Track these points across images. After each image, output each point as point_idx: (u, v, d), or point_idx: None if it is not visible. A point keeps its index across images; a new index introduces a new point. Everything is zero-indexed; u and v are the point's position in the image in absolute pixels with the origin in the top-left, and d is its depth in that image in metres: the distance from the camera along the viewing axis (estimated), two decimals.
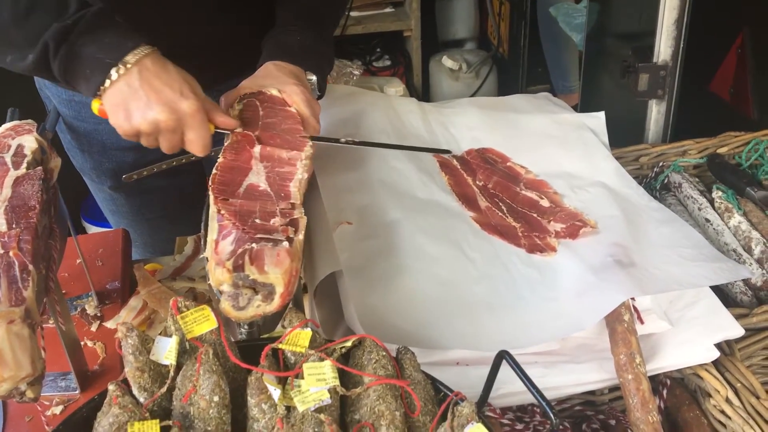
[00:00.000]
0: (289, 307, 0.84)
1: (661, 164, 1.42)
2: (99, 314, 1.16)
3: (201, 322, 0.76)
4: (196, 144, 0.98)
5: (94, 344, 1.11)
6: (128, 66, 0.94)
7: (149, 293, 1.19)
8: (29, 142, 1.01)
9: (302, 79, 1.13)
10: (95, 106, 1.00)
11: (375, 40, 3.30)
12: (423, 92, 3.37)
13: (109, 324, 1.14)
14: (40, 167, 0.97)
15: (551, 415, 0.64)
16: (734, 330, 1.00)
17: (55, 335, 0.97)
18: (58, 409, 1.00)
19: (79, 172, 1.43)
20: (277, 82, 1.10)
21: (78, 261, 1.20)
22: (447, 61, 3.36)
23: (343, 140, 1.05)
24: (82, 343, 1.09)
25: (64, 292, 1.17)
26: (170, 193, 1.41)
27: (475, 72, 3.37)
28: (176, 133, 0.97)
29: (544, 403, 0.65)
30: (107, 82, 0.94)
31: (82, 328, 1.13)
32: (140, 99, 0.94)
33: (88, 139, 1.34)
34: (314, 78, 1.15)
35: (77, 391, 1.02)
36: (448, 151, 1.27)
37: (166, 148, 1.00)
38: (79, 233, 1.30)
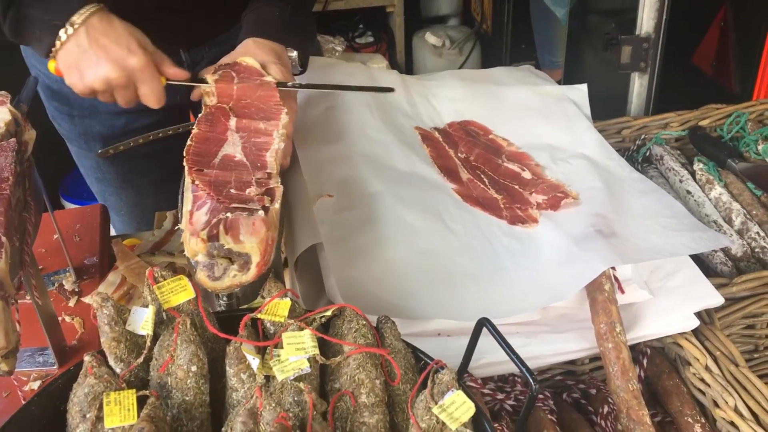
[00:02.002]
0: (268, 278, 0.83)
1: (643, 137, 1.42)
2: (77, 289, 1.15)
3: (178, 292, 0.75)
4: (150, 97, 1.01)
5: (72, 319, 1.09)
6: (75, 26, 0.96)
7: (128, 268, 1.17)
8: (2, 114, 0.98)
9: (282, 56, 1.12)
10: (51, 66, 1.01)
11: (357, 15, 3.27)
12: (406, 69, 3.34)
13: (88, 299, 1.13)
14: (13, 139, 0.95)
15: (530, 380, 0.64)
16: (714, 299, 1.01)
17: (32, 311, 0.96)
18: (35, 385, 0.99)
19: (65, 141, 1.42)
20: (256, 59, 1.09)
21: (55, 236, 1.18)
22: (430, 38, 3.34)
23: (289, 84, 1.06)
24: (60, 318, 1.07)
25: (41, 267, 1.16)
26: (157, 160, 1.40)
27: (459, 49, 3.35)
28: (129, 88, 1.00)
29: (522, 368, 0.65)
30: (57, 44, 0.97)
31: (60, 303, 1.12)
32: (90, 58, 0.97)
33: (78, 103, 1.32)
34: (294, 54, 1.14)
35: (55, 367, 1.01)
36: (391, 89, 1.25)
37: (122, 103, 1.03)
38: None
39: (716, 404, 0.93)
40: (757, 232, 1.18)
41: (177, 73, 1.04)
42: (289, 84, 1.07)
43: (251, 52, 1.09)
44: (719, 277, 1.07)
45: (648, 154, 1.40)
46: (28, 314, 0.94)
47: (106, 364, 0.71)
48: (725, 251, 1.16)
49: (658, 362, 1.01)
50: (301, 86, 1.12)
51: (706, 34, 1.95)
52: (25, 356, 1.02)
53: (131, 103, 1.03)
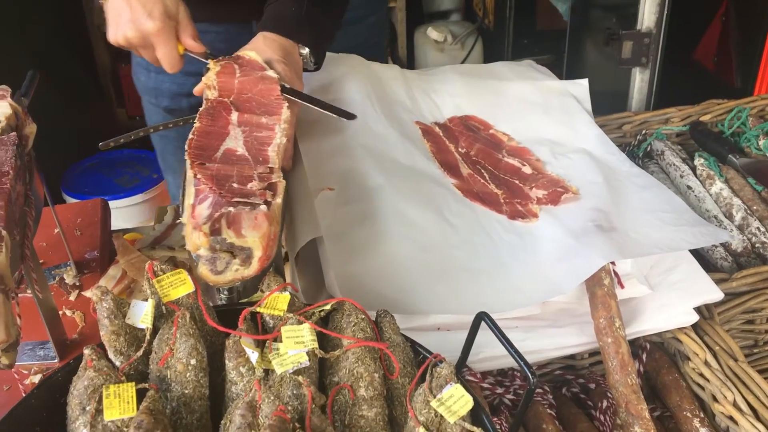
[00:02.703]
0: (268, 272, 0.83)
1: (644, 132, 1.41)
2: (78, 283, 1.15)
3: (177, 286, 0.75)
4: (164, 61, 1.08)
5: (73, 313, 1.10)
6: None
7: (128, 262, 1.17)
8: (3, 108, 0.98)
9: (291, 52, 1.11)
10: None
11: None
12: (408, 64, 3.35)
13: (88, 293, 1.13)
14: (14, 133, 0.95)
15: (528, 374, 0.64)
16: (714, 294, 1.01)
17: (33, 305, 0.96)
18: (36, 378, 0.99)
19: (140, 95, 1.51)
20: (261, 57, 1.08)
21: (56, 230, 1.19)
22: (432, 33, 3.33)
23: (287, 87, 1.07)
24: (60, 312, 1.08)
25: (42, 261, 1.16)
26: None
27: (461, 44, 3.34)
28: (148, 48, 1.08)
29: (520, 362, 0.65)
30: None
31: (61, 297, 1.12)
32: (119, 15, 1.06)
33: None
34: (306, 51, 1.13)
35: (56, 360, 1.01)
36: (352, 116, 1.15)
37: (149, 60, 1.10)
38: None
39: (715, 399, 0.93)
40: (758, 228, 1.18)
41: (193, 46, 1.09)
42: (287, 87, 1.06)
43: (259, 49, 1.09)
44: (719, 272, 1.07)
45: (649, 149, 1.39)
46: (29, 308, 0.94)
47: (106, 357, 0.72)
48: (725, 246, 1.16)
49: (657, 357, 1.01)
50: (285, 89, 1.08)
51: (707, 29, 1.95)
52: (26, 350, 1.02)
53: (156, 62, 1.09)
